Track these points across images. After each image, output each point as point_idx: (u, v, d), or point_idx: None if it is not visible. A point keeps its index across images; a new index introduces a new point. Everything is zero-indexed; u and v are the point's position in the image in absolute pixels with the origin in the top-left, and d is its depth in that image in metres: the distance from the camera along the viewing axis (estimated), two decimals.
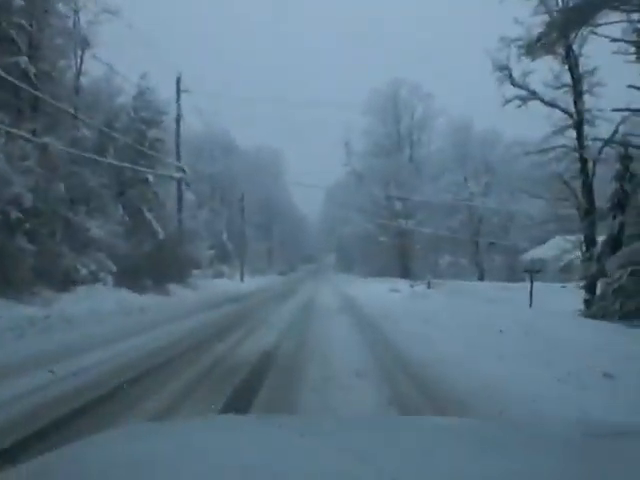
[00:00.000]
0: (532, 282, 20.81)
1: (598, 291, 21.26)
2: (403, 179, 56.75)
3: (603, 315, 18.10)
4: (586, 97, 22.62)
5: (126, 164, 27.88)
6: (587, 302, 21.62)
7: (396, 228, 56.68)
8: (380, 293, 31.55)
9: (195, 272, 40.88)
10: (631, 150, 19.86)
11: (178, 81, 33.41)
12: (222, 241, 59.59)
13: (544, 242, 53.19)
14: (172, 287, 25.59)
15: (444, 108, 57.17)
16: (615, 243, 19.40)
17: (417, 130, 62.27)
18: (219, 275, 49.93)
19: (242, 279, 51.57)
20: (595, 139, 20.92)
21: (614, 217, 19.66)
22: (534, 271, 21.71)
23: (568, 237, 42.74)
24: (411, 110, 61.85)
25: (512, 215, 55.29)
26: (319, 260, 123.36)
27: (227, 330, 14.82)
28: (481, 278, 52.64)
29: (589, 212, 22.00)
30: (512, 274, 55.34)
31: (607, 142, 20.68)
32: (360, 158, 63.61)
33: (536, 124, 24.77)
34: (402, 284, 41.91)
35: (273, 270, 74.81)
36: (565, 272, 46.39)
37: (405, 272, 57.13)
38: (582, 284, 21.63)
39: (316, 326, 15.87)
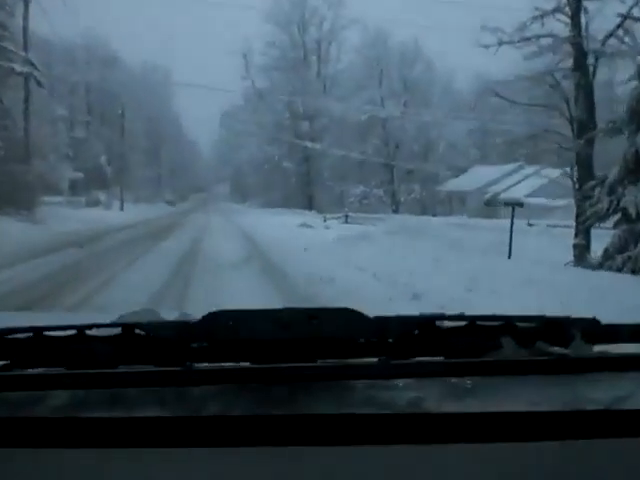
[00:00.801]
0: (512, 222, 14.77)
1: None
2: (310, 97, 49.70)
3: (622, 268, 12.53)
4: None
5: None
6: (579, 248, 15.96)
7: (301, 152, 50.07)
8: (290, 230, 25.08)
9: (56, 199, 33.41)
10: None
11: None
12: (99, 164, 51.99)
13: (465, 171, 48.30)
14: None
15: (358, 18, 49.72)
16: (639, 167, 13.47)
17: (326, 42, 54.60)
18: (93, 204, 43.06)
19: (122, 208, 44.50)
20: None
21: (637, 130, 13.62)
22: (516, 204, 15.53)
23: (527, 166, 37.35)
24: (319, 19, 54.00)
25: (432, 141, 49.79)
26: (212, 190, 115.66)
27: None
28: (396, 211, 47.18)
29: (586, 126, 15.97)
30: (428, 207, 50.36)
31: (627, 18, 14.34)
32: (261, 72, 55.58)
33: None
34: (311, 218, 35.83)
35: (161, 199, 67.71)
36: (490, 205, 41.62)
37: (309, 204, 51.20)
38: (578, 224, 15.85)
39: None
